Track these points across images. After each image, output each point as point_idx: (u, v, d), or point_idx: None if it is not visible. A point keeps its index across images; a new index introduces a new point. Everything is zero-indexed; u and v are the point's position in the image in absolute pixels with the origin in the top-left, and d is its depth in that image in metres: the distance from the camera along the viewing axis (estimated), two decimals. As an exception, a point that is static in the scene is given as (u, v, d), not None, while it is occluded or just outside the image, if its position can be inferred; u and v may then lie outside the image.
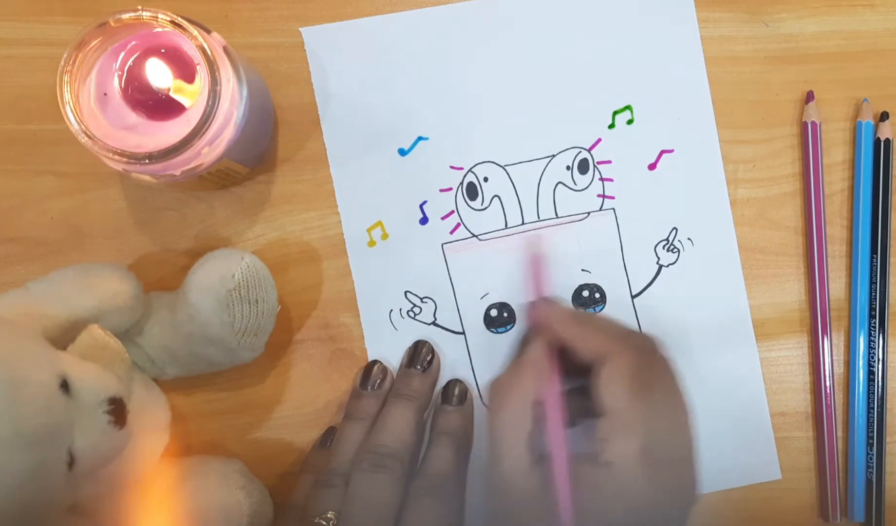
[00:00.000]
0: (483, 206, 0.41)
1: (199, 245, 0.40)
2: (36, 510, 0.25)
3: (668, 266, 0.41)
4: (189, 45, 0.32)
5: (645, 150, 0.41)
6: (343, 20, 0.41)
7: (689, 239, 0.41)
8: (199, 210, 0.40)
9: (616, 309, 0.41)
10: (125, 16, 0.31)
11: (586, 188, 0.41)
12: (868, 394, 0.41)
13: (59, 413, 0.26)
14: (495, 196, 0.41)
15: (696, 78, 0.42)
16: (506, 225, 0.41)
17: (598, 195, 0.41)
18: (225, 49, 0.32)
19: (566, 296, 0.41)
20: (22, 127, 0.39)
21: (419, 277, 0.40)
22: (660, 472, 0.29)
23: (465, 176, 0.41)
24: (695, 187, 0.41)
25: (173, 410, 0.37)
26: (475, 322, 0.41)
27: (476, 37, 0.41)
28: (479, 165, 0.41)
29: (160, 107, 0.33)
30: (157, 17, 0.31)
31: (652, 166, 0.41)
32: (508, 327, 0.41)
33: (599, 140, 0.41)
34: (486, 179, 0.41)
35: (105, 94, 0.33)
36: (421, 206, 0.41)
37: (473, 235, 0.41)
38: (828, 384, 0.41)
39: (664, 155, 0.41)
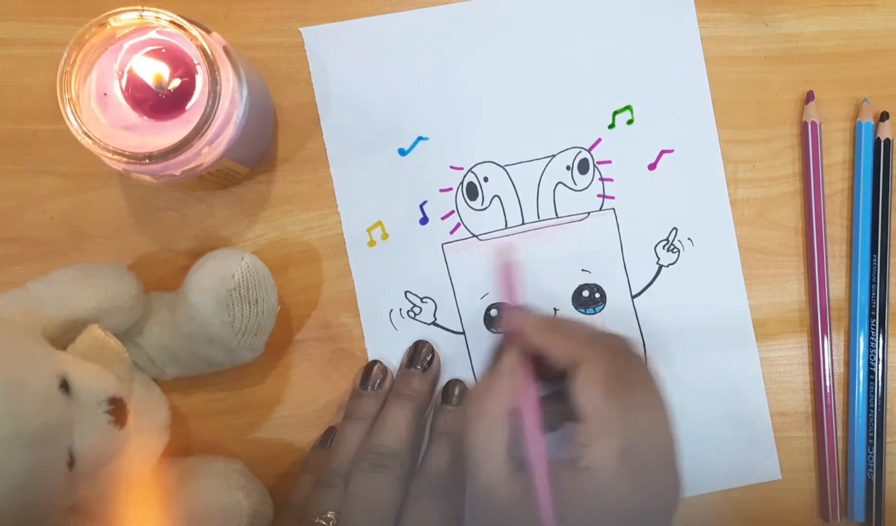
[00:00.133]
0: (483, 207, 0.41)
1: (199, 245, 0.40)
2: (36, 510, 0.25)
3: (668, 266, 0.41)
4: (189, 45, 0.32)
5: (645, 150, 0.41)
6: (343, 20, 0.41)
7: (689, 239, 0.41)
8: (199, 210, 0.40)
9: (616, 309, 0.41)
10: (125, 16, 0.31)
11: (586, 188, 0.41)
12: (868, 394, 0.41)
13: (59, 413, 0.26)
14: (495, 196, 0.41)
15: (696, 78, 0.42)
16: (506, 225, 0.41)
17: (598, 195, 0.41)
18: (225, 49, 0.32)
19: (566, 296, 0.41)
20: (22, 127, 0.39)
21: (419, 277, 0.40)
22: (641, 473, 0.29)
23: (465, 176, 0.41)
24: (695, 187, 0.41)
25: (173, 410, 0.37)
26: (475, 322, 0.41)
27: (476, 37, 0.41)
28: (479, 165, 0.41)
29: (160, 107, 0.33)
30: (157, 17, 0.31)
31: (652, 166, 0.41)
32: (508, 327, 0.41)
33: (599, 140, 0.41)
34: (486, 179, 0.41)
35: (105, 94, 0.33)
36: (421, 207, 0.41)
37: (473, 235, 0.41)
38: (828, 384, 0.41)
39: (664, 155, 0.41)
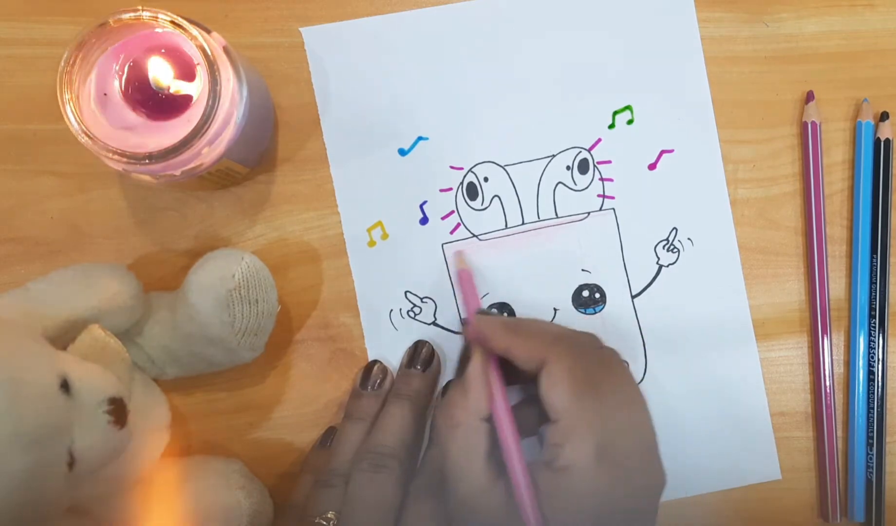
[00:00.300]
0: (483, 207, 0.41)
1: (199, 245, 0.40)
2: (36, 510, 0.25)
3: (668, 266, 0.41)
4: (189, 45, 0.32)
5: (645, 150, 0.41)
6: (343, 20, 0.41)
7: (689, 239, 0.41)
8: (199, 210, 0.40)
9: (616, 309, 0.41)
10: (125, 16, 0.31)
11: (586, 188, 0.41)
12: (868, 394, 0.41)
13: (59, 413, 0.26)
14: (495, 196, 0.41)
15: (696, 78, 0.42)
16: (506, 225, 0.41)
17: (598, 195, 0.41)
18: (225, 49, 0.32)
19: (566, 296, 0.41)
20: (22, 127, 0.39)
21: (419, 276, 0.40)
22: (620, 467, 0.29)
23: (465, 176, 0.41)
24: (695, 187, 0.41)
25: (173, 410, 0.37)
26: (475, 322, 0.41)
27: (476, 37, 0.41)
28: (479, 165, 0.41)
29: (160, 107, 0.33)
30: (157, 17, 0.31)
31: (652, 166, 0.41)
32: (508, 327, 0.40)
33: (599, 140, 0.41)
34: (486, 179, 0.41)
35: (105, 94, 0.33)
36: (421, 207, 0.41)
37: (473, 235, 0.41)
38: (828, 384, 0.41)
39: (664, 155, 0.41)
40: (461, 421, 0.31)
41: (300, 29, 0.40)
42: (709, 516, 0.41)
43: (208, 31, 0.32)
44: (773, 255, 0.42)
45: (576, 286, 0.41)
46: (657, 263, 0.41)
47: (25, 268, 0.39)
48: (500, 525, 0.30)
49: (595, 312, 0.41)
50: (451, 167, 0.41)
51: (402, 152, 0.41)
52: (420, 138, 0.41)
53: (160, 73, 0.33)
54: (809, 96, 0.42)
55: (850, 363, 0.41)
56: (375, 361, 0.40)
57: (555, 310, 0.41)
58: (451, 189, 0.41)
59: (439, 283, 0.40)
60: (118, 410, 0.28)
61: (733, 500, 0.41)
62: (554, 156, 0.41)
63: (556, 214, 0.41)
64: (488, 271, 0.41)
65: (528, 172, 0.41)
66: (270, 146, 0.40)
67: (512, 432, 0.31)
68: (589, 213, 0.41)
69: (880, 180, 0.41)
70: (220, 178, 0.36)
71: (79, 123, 0.31)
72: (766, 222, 0.42)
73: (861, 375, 0.41)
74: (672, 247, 0.41)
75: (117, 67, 0.33)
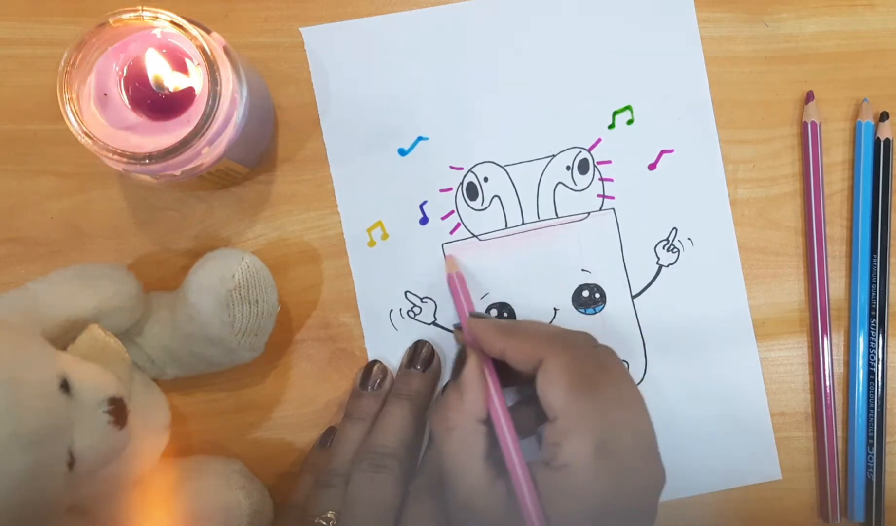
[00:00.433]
0: (483, 207, 0.41)
1: (199, 245, 0.40)
2: (36, 510, 0.25)
3: (668, 266, 0.41)
4: (189, 45, 0.32)
5: (645, 150, 0.41)
6: (343, 20, 0.41)
7: (689, 239, 0.41)
8: (199, 210, 0.40)
9: (616, 309, 0.41)
10: (125, 16, 0.31)
11: (586, 188, 0.41)
12: (868, 394, 0.41)
13: (59, 413, 0.26)
14: (495, 196, 0.41)
15: (696, 78, 0.42)
16: (506, 225, 0.41)
17: (598, 195, 0.41)
18: (225, 49, 0.32)
19: (566, 296, 0.41)
20: (22, 127, 0.39)
21: (419, 277, 0.40)
22: (618, 464, 0.29)
23: (465, 176, 0.41)
24: (695, 187, 0.41)
25: (173, 410, 0.37)
26: (475, 322, 0.41)
27: (476, 37, 0.41)
28: (479, 165, 0.41)
29: (160, 107, 0.33)
30: (157, 17, 0.31)
31: (652, 166, 0.41)
32: (508, 327, 0.40)
33: (599, 140, 0.41)
34: (486, 179, 0.41)
35: (105, 94, 0.33)
36: (421, 207, 0.41)
37: (473, 235, 0.41)
38: (828, 384, 0.41)
39: (664, 155, 0.41)
40: (457, 423, 0.31)
41: (300, 29, 0.40)
42: (709, 516, 0.41)
43: (208, 31, 0.32)
44: (773, 255, 0.42)
45: (576, 286, 0.41)
46: (657, 262, 0.41)
47: (25, 268, 0.39)
48: (500, 525, 0.30)
49: (595, 312, 0.41)
50: (451, 167, 0.41)
51: (402, 152, 0.41)
52: (420, 138, 0.41)
53: (160, 73, 0.33)
54: (809, 96, 0.42)
55: (850, 363, 0.41)
56: (375, 361, 0.40)
57: (555, 310, 0.41)
58: (451, 189, 0.41)
59: (439, 283, 0.40)
60: (118, 410, 0.28)
61: (733, 500, 0.41)
62: (554, 156, 0.41)
63: (556, 214, 0.41)
64: (488, 271, 0.41)
65: (528, 172, 0.41)
66: (270, 146, 0.40)
67: (510, 432, 0.31)
68: (589, 213, 0.41)
69: (880, 180, 0.41)
70: (220, 178, 0.36)
71: (79, 123, 0.31)
72: (766, 222, 0.42)
73: (861, 375, 0.41)
74: (672, 247, 0.41)
75: (117, 67, 0.33)
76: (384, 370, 0.39)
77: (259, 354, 0.37)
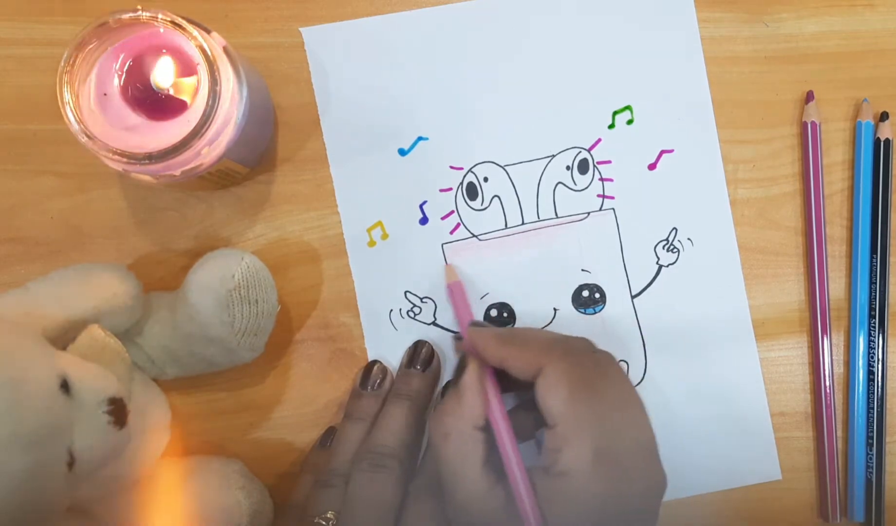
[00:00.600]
0: (483, 207, 0.41)
1: (199, 245, 0.40)
2: (36, 510, 0.25)
3: (668, 266, 0.41)
4: (189, 45, 0.32)
5: (645, 150, 0.41)
6: (343, 20, 0.41)
7: (689, 239, 0.41)
8: (199, 210, 0.40)
9: (616, 309, 0.41)
10: (125, 16, 0.31)
11: (586, 188, 0.41)
12: (868, 394, 0.41)
13: (59, 413, 0.26)
14: (495, 196, 0.41)
15: (696, 78, 0.42)
16: (506, 225, 0.41)
17: (598, 195, 0.41)
18: (225, 49, 0.32)
19: (566, 296, 0.41)
20: (22, 127, 0.39)
21: (419, 276, 0.40)
22: (618, 470, 0.29)
23: (465, 176, 0.41)
24: (695, 187, 0.41)
25: (173, 410, 0.37)
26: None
27: (476, 37, 0.41)
28: (479, 165, 0.41)
29: (160, 107, 0.33)
30: (157, 17, 0.31)
31: (652, 166, 0.41)
32: (508, 328, 0.40)
33: (599, 140, 0.41)
34: (486, 179, 0.41)
35: (105, 94, 0.33)
36: (421, 207, 0.41)
37: (473, 235, 0.41)
38: (828, 384, 0.41)
39: (664, 155, 0.41)
40: (454, 429, 0.32)
41: (300, 29, 0.40)
42: (709, 516, 0.41)
43: (208, 31, 0.32)
44: (773, 255, 0.42)
45: (576, 286, 0.41)
46: (657, 262, 0.41)
47: (25, 268, 0.39)
48: None
49: (595, 312, 0.41)
50: (451, 167, 0.41)
51: (402, 152, 0.41)
52: (420, 138, 0.41)
53: (160, 73, 0.33)
54: (809, 96, 0.42)
55: (849, 363, 0.41)
56: (375, 361, 0.40)
57: (555, 310, 0.41)
58: (450, 189, 0.41)
59: (439, 283, 0.40)
60: (118, 410, 0.28)
61: (733, 500, 0.41)
62: (554, 156, 0.41)
63: (556, 214, 0.41)
64: (488, 271, 0.41)
65: (527, 172, 0.41)
66: (270, 146, 0.40)
67: (510, 438, 0.32)
68: (589, 213, 0.41)
69: (880, 180, 0.41)
70: (220, 178, 0.36)
71: (79, 123, 0.31)
72: (766, 222, 0.42)
73: (861, 375, 0.41)
74: (672, 247, 0.41)
75: (117, 67, 0.33)
76: (384, 370, 0.39)
77: (259, 354, 0.37)
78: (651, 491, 0.30)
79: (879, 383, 0.41)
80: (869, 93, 0.42)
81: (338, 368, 0.40)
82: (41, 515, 0.26)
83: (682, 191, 0.41)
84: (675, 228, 0.41)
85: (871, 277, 0.41)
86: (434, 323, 0.40)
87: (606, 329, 0.41)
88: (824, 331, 0.41)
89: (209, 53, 0.31)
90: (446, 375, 0.40)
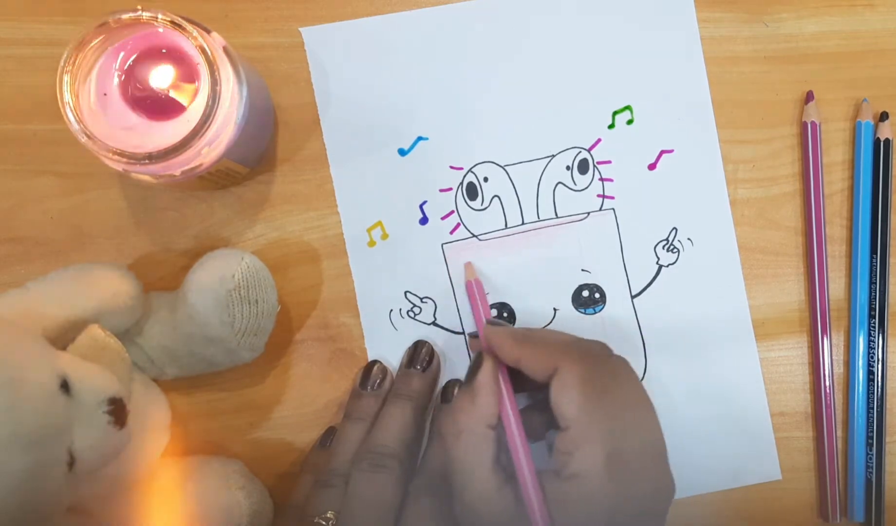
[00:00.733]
0: (483, 207, 0.41)
1: (199, 245, 0.40)
2: (36, 510, 0.25)
3: (668, 266, 0.41)
4: (189, 45, 0.32)
5: (645, 150, 0.41)
6: (343, 20, 0.41)
7: (689, 239, 0.41)
8: (199, 210, 0.40)
9: (616, 309, 0.41)
10: (125, 16, 0.31)
11: (586, 188, 0.41)
12: (868, 394, 0.41)
13: (59, 413, 0.26)
14: (495, 196, 0.41)
15: (696, 78, 0.42)
16: (506, 225, 0.41)
17: (598, 195, 0.41)
18: (225, 49, 0.32)
19: (566, 296, 0.41)
20: (22, 127, 0.39)
21: (419, 277, 0.40)
22: (628, 475, 0.29)
23: (464, 176, 0.41)
24: (695, 187, 0.41)
25: (173, 410, 0.37)
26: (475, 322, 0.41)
27: (476, 37, 0.41)
28: (478, 165, 0.41)
29: (160, 107, 0.33)
30: (157, 17, 0.31)
31: (652, 166, 0.41)
32: (508, 327, 0.41)
33: (599, 140, 0.41)
34: (485, 179, 0.41)
35: (105, 95, 0.32)
36: (421, 207, 0.41)
37: (473, 235, 0.41)
38: (827, 384, 0.41)
39: (664, 155, 0.41)
40: (467, 427, 0.32)
41: (300, 29, 0.40)
42: (709, 516, 0.41)
43: (208, 31, 0.32)
44: (773, 255, 0.42)
45: (576, 286, 0.41)
46: (657, 263, 0.41)
47: (25, 268, 0.39)
48: None
49: (595, 312, 0.41)
50: (451, 167, 0.41)
51: (402, 152, 0.41)
52: (420, 138, 0.41)
53: (160, 73, 0.33)
54: (809, 96, 0.42)
55: (849, 363, 0.41)
56: (375, 361, 0.40)
57: (554, 310, 0.41)
58: (450, 189, 0.41)
59: (439, 283, 0.40)
60: (118, 410, 0.28)
61: (733, 500, 0.41)
62: (554, 156, 0.41)
63: (556, 214, 0.41)
64: (488, 271, 0.41)
65: (527, 172, 0.41)
66: (270, 146, 0.40)
67: (521, 439, 0.32)
68: (589, 213, 0.41)
69: (880, 180, 0.41)
70: (220, 178, 0.36)
71: (79, 123, 0.31)
72: (766, 222, 0.42)
73: (861, 375, 0.41)
74: (672, 247, 0.41)
75: (117, 67, 0.33)
76: (384, 370, 0.39)
77: (259, 354, 0.37)
78: (659, 499, 0.30)
79: (879, 383, 0.41)
80: (869, 93, 0.42)
81: (338, 368, 0.40)
82: (41, 515, 0.26)
83: (682, 191, 0.41)
84: (675, 228, 0.41)
85: (871, 277, 0.41)
86: (434, 323, 0.40)
87: (606, 329, 0.41)
88: (824, 331, 0.41)
89: (209, 53, 0.31)
90: (446, 374, 0.40)
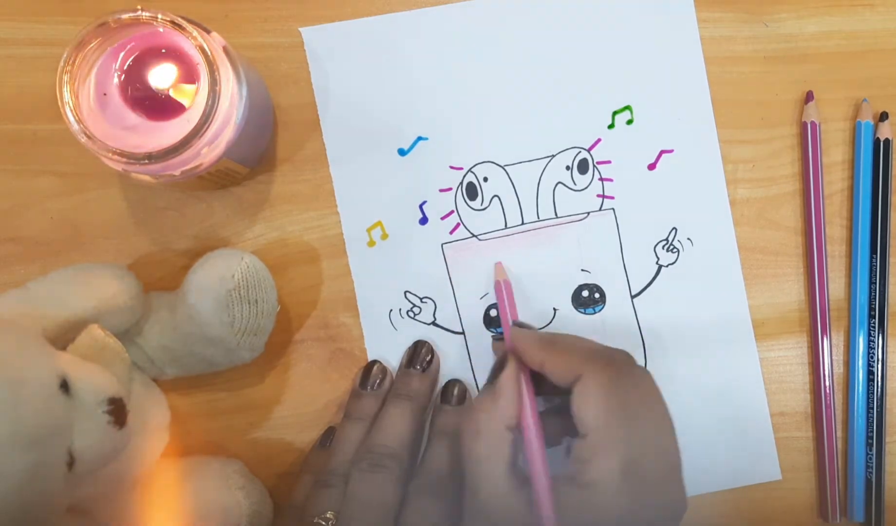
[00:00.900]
0: (483, 207, 0.41)
1: (199, 245, 0.40)
2: (36, 510, 0.25)
3: (667, 266, 0.41)
4: (189, 45, 0.32)
5: (645, 150, 0.41)
6: (343, 20, 0.41)
7: (688, 239, 0.41)
8: (199, 210, 0.40)
9: (616, 309, 0.41)
10: (125, 16, 0.31)
11: (586, 188, 0.41)
12: (868, 394, 0.41)
13: (59, 413, 0.26)
14: (495, 196, 0.41)
15: (696, 78, 0.42)
16: (505, 225, 0.41)
17: (598, 195, 0.41)
18: (225, 49, 0.33)
19: (566, 296, 0.41)
20: (22, 127, 0.39)
21: (419, 276, 0.40)
22: (643, 488, 0.29)
23: (464, 176, 0.41)
24: (694, 187, 0.41)
25: (173, 410, 0.37)
26: (475, 322, 0.41)
27: (476, 37, 0.41)
28: (478, 165, 0.41)
29: (160, 107, 0.33)
30: (157, 17, 0.31)
31: (652, 166, 0.41)
32: (508, 327, 0.41)
33: (599, 140, 0.41)
34: (485, 179, 0.41)
35: (105, 94, 0.33)
36: (421, 207, 0.41)
37: (473, 235, 0.41)
38: (827, 384, 0.41)
39: (664, 155, 0.41)
40: (487, 427, 0.31)
41: (300, 29, 0.40)
42: (709, 516, 0.41)
43: (208, 31, 0.32)
44: (773, 255, 0.42)
45: (575, 286, 0.41)
46: (657, 262, 0.41)
47: (25, 268, 0.39)
48: None
49: (595, 312, 0.41)
50: (451, 167, 0.41)
51: (402, 152, 0.41)
52: (420, 138, 0.41)
53: (159, 73, 0.33)
54: (809, 96, 0.42)
55: (849, 363, 0.41)
56: (375, 361, 0.40)
57: (554, 310, 0.41)
58: (450, 189, 0.41)
59: (439, 283, 0.40)
60: (118, 410, 0.28)
61: (733, 500, 0.41)
62: (553, 156, 0.41)
63: (556, 214, 0.41)
64: (488, 271, 0.41)
65: (527, 172, 0.41)
66: (270, 146, 0.40)
67: (539, 443, 0.32)
68: (588, 213, 0.41)
69: (880, 180, 0.41)
70: (220, 178, 0.36)
71: (78, 123, 0.31)
72: (766, 222, 0.42)
73: (861, 375, 0.41)
74: (672, 247, 0.41)
75: (117, 67, 0.33)
76: (384, 370, 0.39)
77: (259, 354, 0.37)
78: (671, 513, 0.30)
79: (879, 383, 0.41)
80: (869, 93, 0.42)
81: (338, 368, 0.40)
82: (41, 515, 0.26)
83: (681, 191, 0.41)
84: (674, 228, 0.41)
85: (870, 277, 0.41)
86: (434, 323, 0.40)
87: (606, 329, 0.41)
88: (824, 331, 0.41)
89: (209, 53, 0.31)
90: (446, 374, 0.40)
